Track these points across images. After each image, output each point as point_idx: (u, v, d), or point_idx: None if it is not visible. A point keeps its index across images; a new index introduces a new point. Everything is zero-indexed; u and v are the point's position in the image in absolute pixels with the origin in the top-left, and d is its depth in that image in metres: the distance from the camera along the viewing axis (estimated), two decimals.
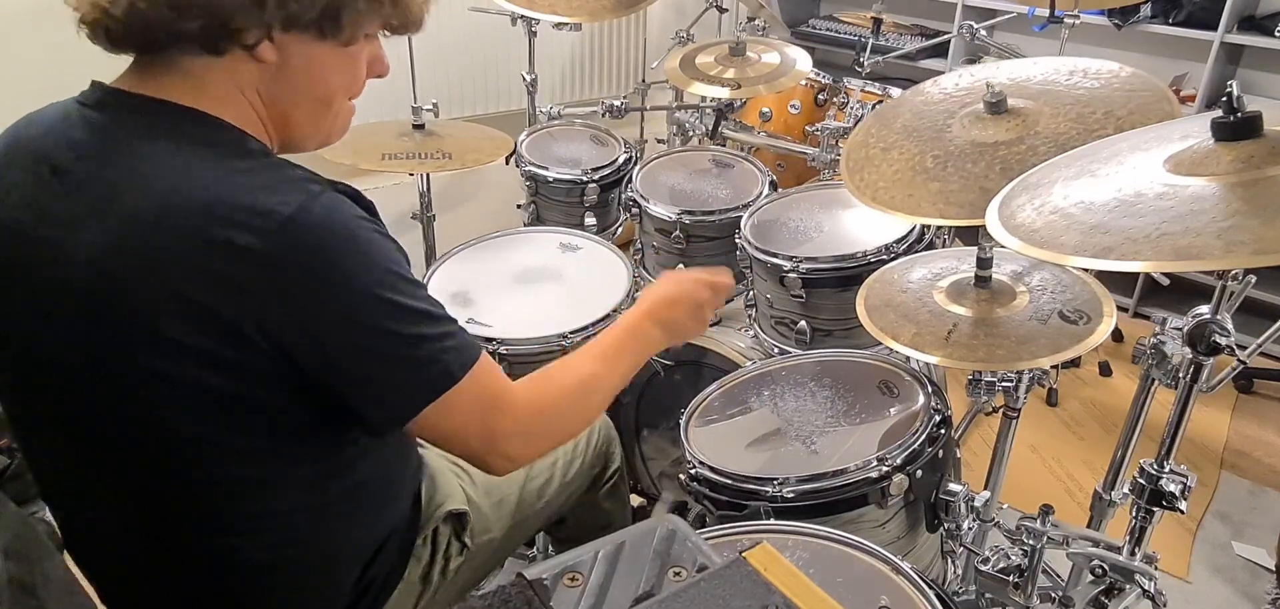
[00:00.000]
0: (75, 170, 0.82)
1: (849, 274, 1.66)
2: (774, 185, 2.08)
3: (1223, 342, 1.06)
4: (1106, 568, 1.21)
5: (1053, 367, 1.43)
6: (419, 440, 1.16)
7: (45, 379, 0.86)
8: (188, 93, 0.84)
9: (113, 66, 0.88)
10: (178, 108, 0.84)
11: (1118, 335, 2.97)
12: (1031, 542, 1.25)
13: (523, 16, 2.47)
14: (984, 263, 1.36)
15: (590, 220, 2.24)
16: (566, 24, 2.44)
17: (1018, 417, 1.53)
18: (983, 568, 1.29)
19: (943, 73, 1.51)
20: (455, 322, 0.91)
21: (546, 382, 1.00)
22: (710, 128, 2.70)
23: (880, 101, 2.56)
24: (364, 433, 0.94)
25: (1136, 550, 1.21)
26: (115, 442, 0.86)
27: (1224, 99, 0.93)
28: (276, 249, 0.78)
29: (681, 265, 2.04)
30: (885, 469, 1.23)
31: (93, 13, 0.81)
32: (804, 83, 2.70)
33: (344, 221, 0.82)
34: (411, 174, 2.12)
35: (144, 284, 0.78)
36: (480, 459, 0.95)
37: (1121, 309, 3.07)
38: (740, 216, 1.89)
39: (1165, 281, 2.86)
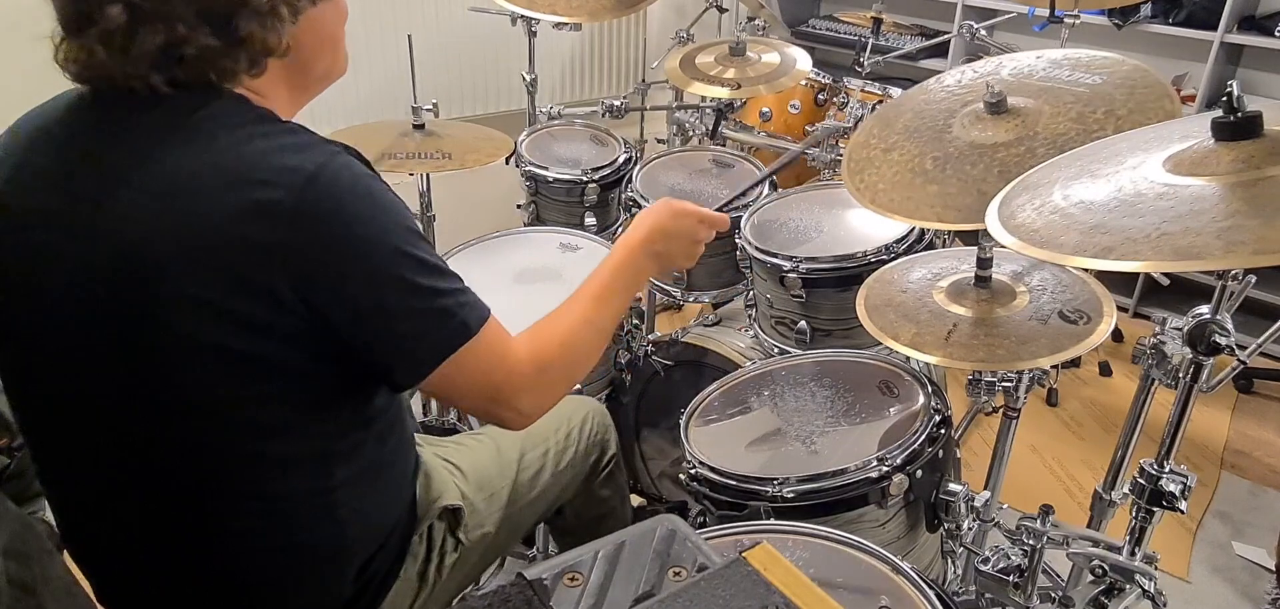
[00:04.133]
0: (101, 151, 0.83)
1: (849, 274, 1.65)
2: (774, 185, 2.08)
3: (1223, 342, 1.06)
4: (1106, 568, 1.21)
5: (1053, 367, 1.44)
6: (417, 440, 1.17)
7: (65, 361, 0.87)
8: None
9: None
10: (198, 84, 0.85)
11: (1118, 335, 2.97)
12: (1031, 542, 1.25)
13: (523, 16, 2.46)
14: (984, 263, 1.36)
15: (590, 220, 2.24)
16: (566, 24, 2.43)
17: (1018, 417, 1.53)
18: (983, 568, 1.29)
19: (942, 72, 1.51)
20: (463, 281, 0.94)
21: (545, 335, 1.03)
22: (710, 128, 2.70)
23: (880, 102, 2.56)
24: (385, 390, 0.97)
25: (1136, 550, 1.21)
26: (134, 419, 0.87)
27: (1224, 99, 0.93)
28: (303, 204, 0.80)
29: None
30: (885, 469, 1.23)
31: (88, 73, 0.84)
32: (804, 83, 2.70)
33: (363, 179, 0.86)
34: (411, 174, 2.12)
35: (179, 250, 0.79)
36: (492, 414, 0.98)
37: (1121, 309, 3.07)
38: (740, 216, 1.89)
39: (1165, 281, 2.86)
